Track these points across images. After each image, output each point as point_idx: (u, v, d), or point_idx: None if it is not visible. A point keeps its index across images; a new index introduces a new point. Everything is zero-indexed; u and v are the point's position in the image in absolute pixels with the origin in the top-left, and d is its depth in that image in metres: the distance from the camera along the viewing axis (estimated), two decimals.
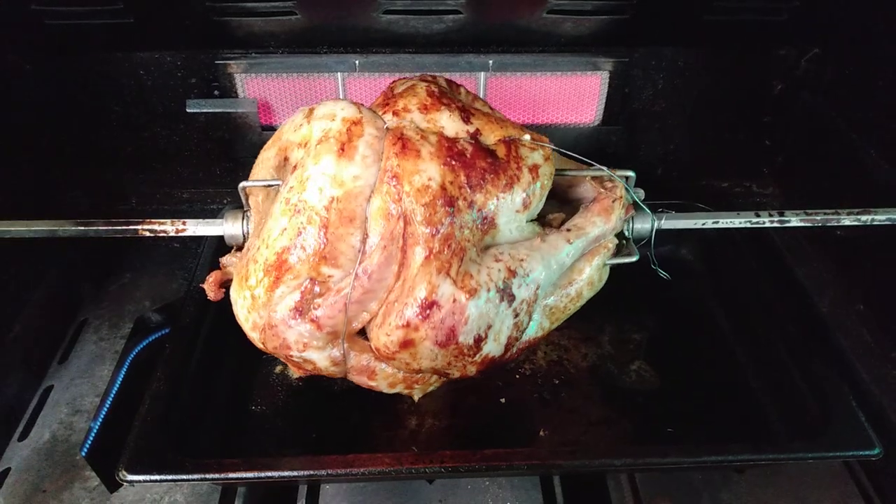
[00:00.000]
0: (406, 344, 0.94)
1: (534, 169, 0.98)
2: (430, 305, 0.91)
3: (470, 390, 1.26)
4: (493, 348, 0.98)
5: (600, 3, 1.33)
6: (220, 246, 1.28)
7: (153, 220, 1.05)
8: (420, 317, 0.92)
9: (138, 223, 1.05)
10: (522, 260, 0.98)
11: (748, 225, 1.12)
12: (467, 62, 1.45)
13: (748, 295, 1.38)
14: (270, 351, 0.99)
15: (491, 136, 0.99)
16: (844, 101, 1.47)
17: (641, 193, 1.09)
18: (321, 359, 1.00)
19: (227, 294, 1.05)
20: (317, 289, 0.92)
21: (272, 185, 1.00)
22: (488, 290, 0.94)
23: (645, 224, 1.11)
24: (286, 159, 0.99)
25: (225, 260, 1.08)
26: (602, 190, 1.08)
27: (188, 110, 1.46)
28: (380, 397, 1.09)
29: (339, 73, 1.47)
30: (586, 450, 1.15)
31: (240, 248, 1.07)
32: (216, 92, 1.49)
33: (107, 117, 1.53)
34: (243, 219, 1.04)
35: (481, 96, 1.44)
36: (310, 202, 0.89)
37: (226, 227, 1.04)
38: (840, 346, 1.27)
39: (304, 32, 1.40)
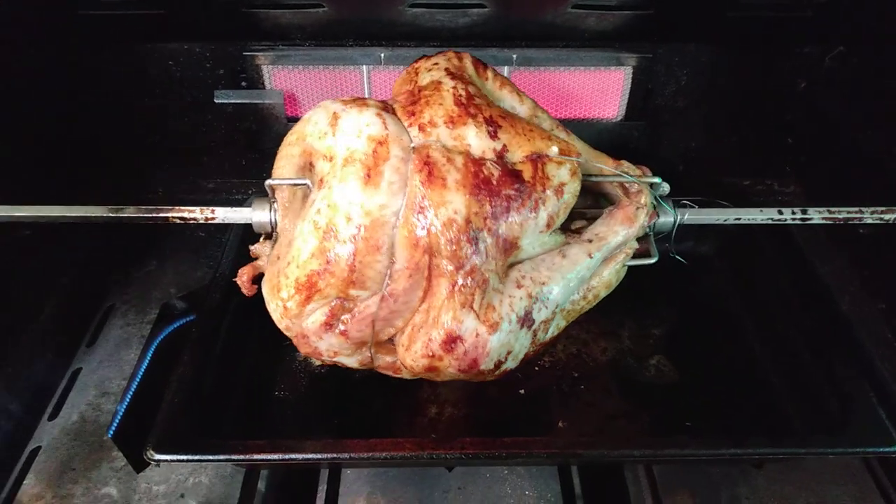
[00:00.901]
0: (431, 369, 0.98)
1: (559, 189, 0.98)
2: (453, 340, 0.94)
3: (489, 381, 1.28)
4: (511, 365, 1.02)
5: None
6: (245, 236, 1.31)
7: (183, 208, 1.07)
8: (444, 349, 0.95)
9: (168, 210, 1.07)
10: (544, 283, 1.00)
11: (770, 221, 1.13)
12: (491, 56, 1.46)
13: (769, 292, 1.38)
14: (303, 353, 1.04)
15: (518, 152, 0.97)
16: (868, 99, 1.46)
17: (667, 187, 1.09)
18: (350, 362, 1.06)
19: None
20: (346, 305, 0.96)
21: (298, 185, 1.02)
22: (510, 322, 0.96)
23: (667, 219, 1.11)
24: (311, 164, 0.99)
25: (255, 249, 1.10)
26: (625, 197, 1.08)
27: (216, 101, 1.48)
28: (401, 385, 1.11)
29: (364, 66, 1.48)
30: (605, 440, 1.16)
31: (268, 237, 1.08)
32: (243, 83, 1.51)
33: (135, 107, 1.55)
34: (271, 208, 1.05)
35: None
36: (337, 229, 0.90)
37: (254, 214, 1.06)
38: (861, 344, 1.27)
39: (331, 25, 1.41)
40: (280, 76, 1.50)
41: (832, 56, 1.54)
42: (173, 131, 1.59)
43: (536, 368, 1.32)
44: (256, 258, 1.11)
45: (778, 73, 1.58)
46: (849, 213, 1.12)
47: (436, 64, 1.04)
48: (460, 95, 0.98)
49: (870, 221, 1.12)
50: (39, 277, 1.37)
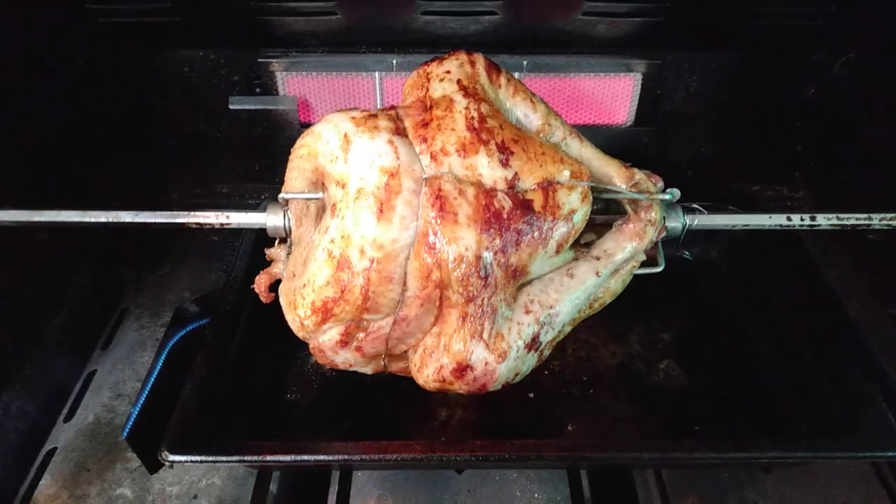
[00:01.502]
0: (442, 389, 1.02)
1: (569, 216, 0.98)
2: (464, 368, 0.98)
3: None
4: (517, 380, 1.05)
5: (634, 6, 1.34)
6: (258, 240, 1.33)
7: (198, 213, 1.08)
8: (454, 376, 0.99)
9: (184, 215, 1.08)
10: (551, 306, 1.02)
11: (779, 227, 1.13)
12: (502, 62, 1.45)
13: (777, 297, 1.38)
14: (320, 362, 1.08)
15: (529, 179, 0.96)
16: (878, 105, 1.46)
17: (677, 194, 1.10)
18: (365, 370, 1.10)
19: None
20: (360, 324, 0.99)
21: (312, 199, 1.03)
22: (517, 349, 0.99)
23: (676, 225, 1.12)
24: (323, 184, 0.99)
25: (271, 252, 1.12)
26: (634, 213, 1.07)
27: (230, 107, 1.50)
28: (411, 389, 1.12)
29: (376, 73, 1.50)
30: (615, 443, 1.17)
31: (283, 241, 1.10)
32: (257, 89, 1.52)
33: (151, 112, 1.57)
34: (285, 215, 1.07)
35: None
36: (351, 261, 0.91)
37: (268, 219, 1.07)
38: (870, 348, 1.27)
39: (344, 32, 1.43)
40: (293, 82, 1.52)
41: (842, 63, 1.54)
42: (188, 136, 1.62)
43: (546, 373, 1.33)
44: (272, 261, 1.12)
45: (787, 80, 1.59)
46: (857, 219, 1.12)
47: (448, 72, 1.02)
48: (472, 118, 0.96)
49: (878, 227, 1.12)
50: (55, 281, 1.39)
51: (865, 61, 1.50)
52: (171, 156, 1.65)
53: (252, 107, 1.51)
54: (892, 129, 1.42)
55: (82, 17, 1.31)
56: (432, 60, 1.06)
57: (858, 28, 1.45)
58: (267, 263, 1.16)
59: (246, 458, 1.03)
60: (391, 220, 0.90)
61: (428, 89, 1.02)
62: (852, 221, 1.12)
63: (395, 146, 0.93)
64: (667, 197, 1.08)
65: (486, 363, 0.97)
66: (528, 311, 1.00)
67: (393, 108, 1.01)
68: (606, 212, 1.11)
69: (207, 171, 1.69)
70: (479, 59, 1.06)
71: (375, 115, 0.97)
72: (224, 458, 1.04)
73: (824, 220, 1.12)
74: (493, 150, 0.95)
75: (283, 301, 1.04)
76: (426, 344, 1.01)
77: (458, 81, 1.01)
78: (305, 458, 1.01)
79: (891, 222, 1.12)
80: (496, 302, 0.96)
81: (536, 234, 0.96)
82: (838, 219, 1.12)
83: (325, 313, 0.95)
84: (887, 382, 1.21)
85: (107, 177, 1.56)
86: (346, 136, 0.94)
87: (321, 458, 1.02)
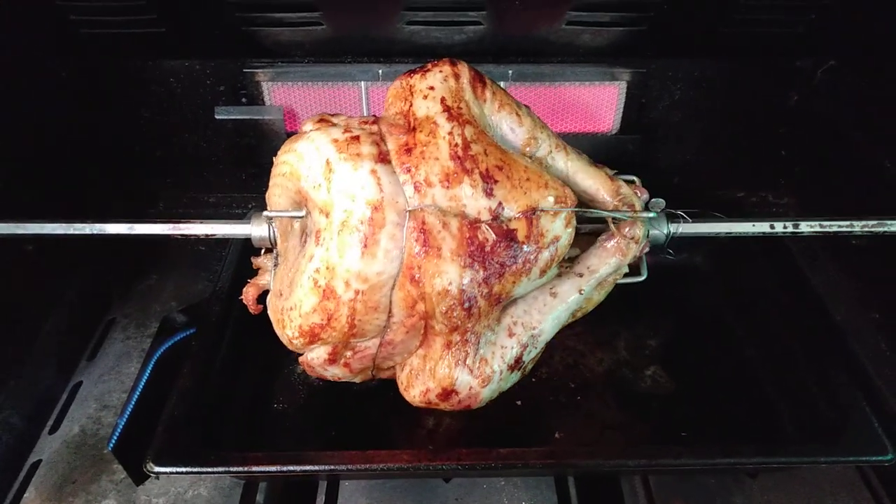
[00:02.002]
0: (428, 407, 1.06)
1: (553, 242, 0.98)
2: (449, 393, 1.01)
3: None
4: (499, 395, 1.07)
5: (618, 16, 1.35)
6: (245, 250, 1.33)
7: (182, 224, 1.08)
8: (440, 399, 1.03)
9: (169, 226, 1.08)
10: (534, 328, 1.03)
11: (762, 234, 1.14)
12: (487, 72, 1.46)
13: (763, 302, 1.39)
14: (310, 374, 1.09)
15: (514, 206, 0.95)
16: (860, 111, 1.48)
17: (661, 204, 1.11)
18: (355, 381, 1.12)
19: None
20: (348, 345, 1.01)
21: (295, 217, 1.03)
22: (501, 372, 1.02)
23: (659, 232, 1.12)
24: (307, 206, 0.99)
25: (258, 261, 1.12)
26: (617, 231, 1.07)
27: (216, 117, 1.50)
28: (399, 398, 1.12)
29: (362, 82, 1.50)
30: (601, 450, 1.17)
31: (269, 250, 1.10)
32: (243, 99, 1.52)
33: (137, 123, 1.57)
34: (270, 227, 1.07)
35: None
36: (336, 292, 0.92)
37: (253, 230, 1.08)
38: (855, 353, 1.28)
39: (330, 42, 1.43)
40: (279, 92, 1.52)
41: (824, 69, 1.56)
42: (174, 146, 1.61)
43: (533, 380, 1.33)
44: (258, 269, 1.13)
45: (770, 87, 1.60)
46: (840, 226, 1.13)
47: (431, 88, 0.99)
48: (456, 145, 0.94)
49: (859, 233, 1.13)
50: (42, 292, 1.39)
51: (847, 68, 1.51)
52: (158, 166, 1.65)
53: (238, 117, 1.51)
54: (873, 133, 1.43)
55: (65, 28, 1.31)
56: (416, 71, 1.03)
57: (839, 34, 1.46)
58: (253, 273, 1.16)
59: (232, 468, 1.03)
60: (375, 254, 0.91)
61: (412, 105, 0.99)
62: (835, 228, 1.13)
63: (377, 177, 0.91)
64: (650, 215, 1.08)
65: (471, 387, 1.00)
66: (511, 335, 1.02)
67: (376, 121, 1.00)
68: (591, 222, 1.11)
69: (194, 181, 1.69)
70: (464, 72, 1.02)
71: (358, 138, 0.95)
72: (210, 469, 1.04)
73: (807, 227, 1.13)
74: (478, 180, 0.94)
75: (271, 317, 1.04)
76: (412, 364, 1.03)
77: (442, 100, 0.98)
78: (292, 468, 1.01)
79: (872, 229, 1.13)
80: (480, 329, 0.99)
81: (520, 263, 0.96)
82: (821, 226, 1.13)
83: (312, 336, 0.97)
84: (872, 388, 1.22)
85: (95, 188, 1.56)
86: (328, 162, 0.93)
87: (308, 468, 1.02)
